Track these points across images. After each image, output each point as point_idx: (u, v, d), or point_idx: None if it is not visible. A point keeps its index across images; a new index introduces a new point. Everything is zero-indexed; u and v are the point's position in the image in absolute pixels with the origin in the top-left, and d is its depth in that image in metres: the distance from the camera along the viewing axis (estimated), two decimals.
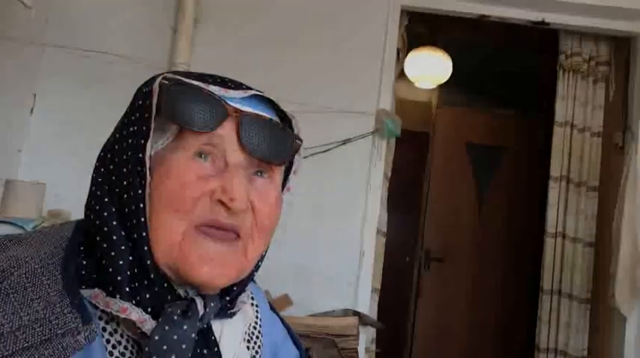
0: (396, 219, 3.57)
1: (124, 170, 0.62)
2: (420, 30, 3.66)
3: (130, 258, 0.61)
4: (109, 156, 0.65)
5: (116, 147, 0.64)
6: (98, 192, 0.64)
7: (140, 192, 0.61)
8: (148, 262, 0.61)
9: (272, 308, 0.86)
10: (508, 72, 4.53)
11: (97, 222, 0.62)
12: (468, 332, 4.25)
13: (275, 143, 0.66)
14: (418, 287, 4.35)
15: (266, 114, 0.67)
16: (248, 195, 0.63)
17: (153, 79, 0.65)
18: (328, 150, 2.64)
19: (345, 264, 2.67)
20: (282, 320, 0.85)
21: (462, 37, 4.04)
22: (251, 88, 0.67)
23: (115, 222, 0.61)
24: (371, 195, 2.71)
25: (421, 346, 4.26)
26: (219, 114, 0.62)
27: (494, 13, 2.84)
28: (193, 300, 0.63)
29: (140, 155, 0.62)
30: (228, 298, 0.68)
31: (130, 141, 0.63)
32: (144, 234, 0.61)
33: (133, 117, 0.64)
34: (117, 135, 0.66)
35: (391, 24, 2.76)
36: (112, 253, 0.60)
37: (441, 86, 4.33)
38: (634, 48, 2.92)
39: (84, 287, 0.61)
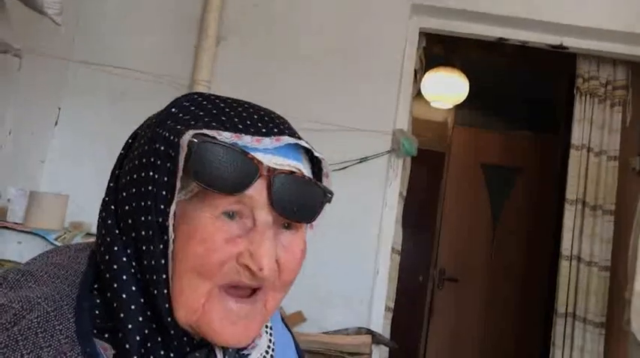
0: (410, 237, 3.58)
1: (143, 219, 0.59)
2: (438, 50, 3.70)
3: (143, 315, 0.58)
4: (124, 194, 0.61)
5: (134, 190, 0.60)
6: (109, 238, 0.61)
7: (162, 247, 0.58)
8: (169, 320, 0.59)
9: (285, 325, 0.85)
10: (524, 93, 4.55)
11: (108, 273, 0.59)
12: (481, 354, 4.23)
13: (305, 202, 0.62)
14: (431, 307, 4.34)
15: (295, 161, 0.63)
16: (274, 253, 0.61)
17: (179, 118, 0.61)
18: (345, 168, 2.67)
19: (360, 282, 2.68)
20: (293, 338, 0.85)
21: (479, 58, 4.07)
22: (284, 131, 0.63)
23: (125, 276, 0.59)
24: (386, 213, 2.73)
25: None
26: (250, 176, 0.58)
27: (513, 37, 2.87)
28: (212, 349, 0.62)
29: (167, 209, 0.58)
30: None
31: (151, 188, 0.59)
32: (165, 291, 0.58)
33: (156, 163, 0.60)
34: (134, 176, 0.61)
35: (409, 45, 2.80)
36: (123, 312, 0.58)
37: (457, 106, 4.35)
38: None
39: (96, 331, 0.58)
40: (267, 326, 0.75)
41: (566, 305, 3.02)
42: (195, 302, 0.58)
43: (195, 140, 0.57)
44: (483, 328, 4.25)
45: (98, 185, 2.59)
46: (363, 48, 2.77)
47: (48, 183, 2.59)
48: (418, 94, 3.42)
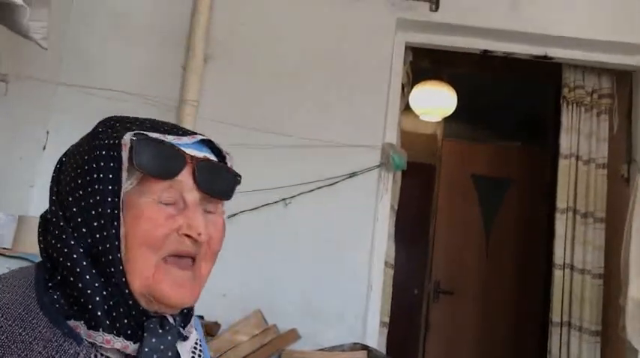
0: (404, 251, 3.58)
1: (93, 213, 0.70)
2: (425, 64, 3.73)
3: (104, 292, 0.69)
4: (70, 199, 0.72)
5: (80, 192, 0.71)
6: (63, 236, 0.71)
7: (114, 231, 0.70)
8: (127, 291, 0.70)
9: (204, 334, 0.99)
10: (512, 104, 4.58)
11: (68, 264, 0.70)
12: None
13: (223, 183, 0.78)
14: (427, 320, 4.33)
15: (210, 154, 0.79)
16: (205, 224, 0.75)
17: (111, 130, 0.74)
18: (335, 183, 2.67)
19: (353, 298, 2.67)
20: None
21: (466, 70, 4.10)
22: (195, 133, 0.79)
23: (85, 262, 0.69)
24: (378, 227, 2.73)
25: None
26: (179, 164, 0.73)
27: (498, 49, 2.90)
28: (165, 317, 0.74)
29: (116, 199, 0.71)
30: (186, 312, 0.80)
31: (97, 186, 0.71)
32: (120, 268, 0.70)
33: (99, 165, 0.71)
34: (79, 181, 0.72)
35: (396, 60, 2.82)
36: (88, 291, 0.68)
37: (446, 119, 4.38)
38: (636, 81, 2.96)
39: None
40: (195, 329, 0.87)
41: (561, 314, 3.02)
42: (146, 271, 0.71)
43: (135, 138, 0.71)
44: (480, 340, 4.23)
45: None
46: (350, 64, 2.79)
47: (37, 208, 2.57)
48: (407, 108, 3.45)
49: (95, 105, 2.66)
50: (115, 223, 0.70)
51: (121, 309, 0.70)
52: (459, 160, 4.45)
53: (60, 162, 0.79)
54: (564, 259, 3.05)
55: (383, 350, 2.75)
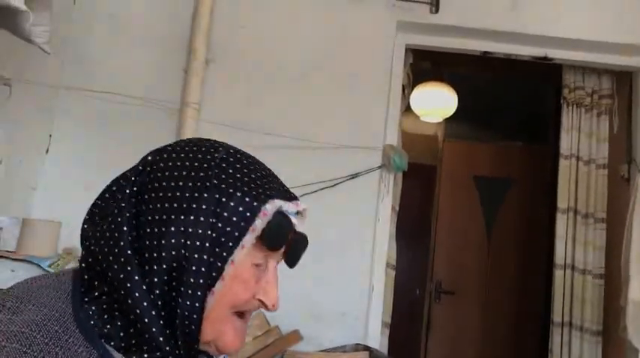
0: (405, 252, 3.59)
1: (194, 259, 0.68)
2: (425, 65, 3.74)
3: (167, 330, 0.69)
4: (155, 230, 0.69)
5: (174, 228, 0.69)
6: (128, 267, 0.68)
7: (207, 282, 0.69)
8: (197, 338, 0.71)
9: None
10: (513, 104, 4.59)
11: (129, 301, 0.67)
12: None
13: (302, 254, 0.81)
14: (429, 320, 4.33)
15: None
16: None
17: (259, 193, 0.73)
18: (336, 184, 2.68)
19: (355, 299, 2.68)
20: None
21: (466, 71, 4.12)
22: (296, 197, 0.79)
23: (146, 302, 0.67)
24: (379, 228, 2.74)
25: None
26: (289, 238, 0.77)
27: (498, 50, 2.91)
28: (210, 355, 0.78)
29: (219, 263, 0.70)
30: None
31: (213, 236, 0.69)
32: (196, 317, 0.69)
33: (223, 215, 0.70)
34: (181, 216, 0.69)
35: (396, 62, 2.83)
36: (152, 329, 0.67)
37: (447, 119, 4.39)
38: (636, 82, 2.97)
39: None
40: None
41: (562, 314, 3.03)
42: (219, 323, 0.73)
43: (276, 210, 0.73)
44: (481, 340, 4.24)
45: None
46: (350, 66, 2.80)
47: (40, 210, 2.58)
48: (408, 109, 3.46)
49: (97, 109, 2.68)
50: (214, 274, 0.70)
51: (178, 351, 0.70)
52: (459, 161, 4.46)
53: (150, 165, 0.75)
54: (565, 259, 3.06)
55: (385, 350, 2.75)
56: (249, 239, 0.71)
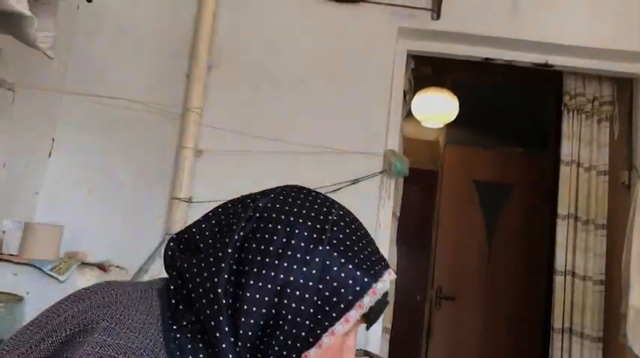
0: (406, 257, 3.60)
1: (291, 322, 0.66)
2: (427, 71, 3.75)
3: None
4: (251, 282, 0.67)
5: (270, 286, 0.67)
6: (220, 317, 0.66)
7: (300, 346, 0.67)
8: None
9: None
10: (514, 110, 4.60)
11: (217, 350, 0.66)
12: None
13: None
14: (429, 326, 4.33)
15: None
16: None
17: (369, 267, 0.71)
18: (337, 190, 2.69)
19: None
20: None
21: (468, 77, 4.13)
22: (388, 265, 0.76)
23: (230, 355, 0.66)
24: (380, 234, 2.74)
25: None
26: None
27: (499, 56, 2.92)
28: None
29: (319, 332, 0.67)
30: None
31: (319, 303, 0.67)
32: None
33: (332, 285, 0.68)
34: (290, 280, 0.67)
35: (397, 68, 2.85)
36: None
37: (448, 125, 4.40)
38: (636, 88, 2.98)
39: None
40: None
41: (563, 321, 3.03)
42: None
43: (384, 289, 0.71)
44: (482, 346, 4.23)
45: (92, 215, 2.60)
46: (352, 71, 2.81)
47: (43, 214, 2.60)
48: (409, 114, 3.47)
49: (99, 113, 2.69)
50: (311, 340, 0.67)
51: None
52: (460, 166, 4.47)
53: (260, 212, 0.73)
54: (565, 266, 3.07)
55: (385, 356, 2.76)
56: (354, 315, 0.68)
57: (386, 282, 0.72)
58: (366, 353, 2.57)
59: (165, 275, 0.78)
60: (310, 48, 2.83)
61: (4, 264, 2.01)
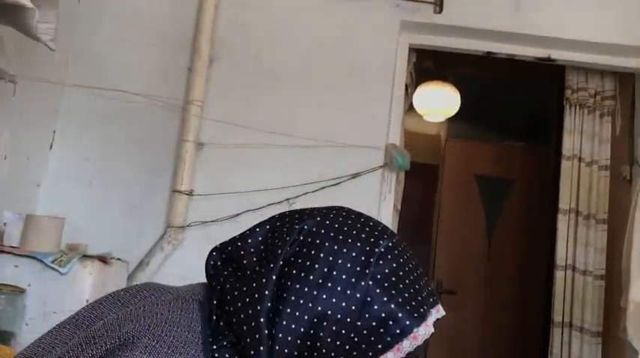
0: None
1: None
2: (429, 65, 3.75)
3: None
4: (293, 326, 0.64)
5: (324, 325, 0.65)
6: (257, 336, 0.64)
7: None
8: None
9: None
10: (516, 104, 4.59)
11: None
12: None
13: None
14: None
15: None
16: None
17: (413, 309, 0.67)
18: (339, 183, 2.69)
19: None
20: None
21: (470, 71, 4.12)
22: (434, 292, 0.74)
23: None
24: None
25: None
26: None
27: (501, 50, 2.91)
28: None
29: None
30: None
31: (357, 340, 0.65)
32: None
33: (374, 329, 0.65)
34: (328, 313, 0.65)
35: (399, 61, 2.84)
36: None
37: (449, 119, 4.39)
38: (639, 83, 2.97)
39: None
40: None
41: (563, 315, 3.03)
42: None
43: (426, 336, 0.68)
44: (482, 339, 4.25)
45: (93, 206, 2.60)
46: (354, 65, 2.80)
47: (44, 206, 2.60)
48: (410, 108, 3.46)
49: (100, 106, 2.69)
50: None
51: None
52: (461, 160, 4.47)
53: (305, 235, 0.69)
54: (566, 260, 3.07)
55: None
56: (390, 357, 0.65)
57: (430, 327, 0.68)
58: None
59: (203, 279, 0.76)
60: (312, 41, 2.82)
61: (5, 256, 2.01)
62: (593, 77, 3.17)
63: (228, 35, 2.79)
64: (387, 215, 2.76)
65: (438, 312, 0.71)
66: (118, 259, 2.27)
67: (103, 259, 2.12)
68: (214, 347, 0.65)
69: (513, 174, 4.42)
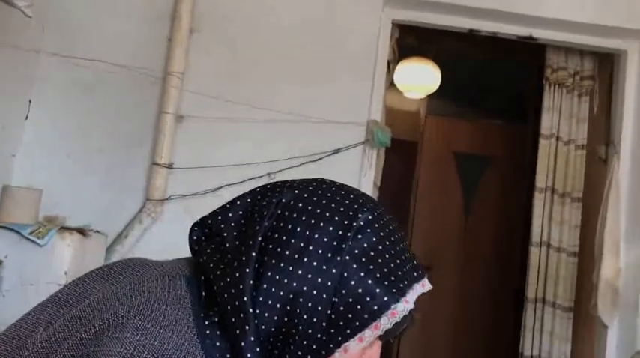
0: None
1: (303, 342, 0.63)
2: (411, 41, 3.73)
3: None
4: (272, 290, 0.63)
5: (309, 305, 0.63)
6: (252, 338, 0.63)
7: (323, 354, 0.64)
8: None
9: None
10: (496, 83, 4.62)
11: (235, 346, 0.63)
12: (454, 340, 4.32)
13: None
14: None
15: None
16: None
17: (392, 285, 0.65)
18: (319, 159, 2.69)
19: None
20: None
21: (451, 48, 4.11)
22: (421, 266, 0.72)
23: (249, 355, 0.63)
24: None
25: (407, 352, 4.32)
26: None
27: (484, 28, 2.91)
28: None
29: (332, 346, 0.63)
30: None
31: (326, 323, 0.63)
32: None
33: (352, 305, 0.63)
34: (303, 289, 0.63)
35: (382, 37, 2.83)
36: None
37: (429, 96, 4.40)
38: (617, 64, 3.00)
39: None
40: None
41: (536, 290, 3.10)
42: None
43: (405, 312, 0.66)
44: (457, 313, 4.33)
45: (71, 178, 2.57)
46: (336, 40, 2.78)
47: (20, 177, 2.55)
48: (391, 84, 3.46)
49: (78, 75, 2.64)
50: (324, 353, 0.63)
51: None
52: (440, 137, 4.50)
53: (282, 209, 0.67)
54: (541, 237, 3.12)
55: None
56: (369, 334, 0.64)
57: (409, 303, 0.66)
58: None
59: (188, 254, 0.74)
60: (295, 14, 2.79)
61: None
62: (572, 57, 3.20)
63: (209, 6, 2.74)
64: (367, 191, 2.77)
65: (423, 286, 0.69)
66: (97, 231, 2.25)
67: (82, 231, 2.10)
68: (206, 322, 0.64)
69: (491, 152, 4.47)
